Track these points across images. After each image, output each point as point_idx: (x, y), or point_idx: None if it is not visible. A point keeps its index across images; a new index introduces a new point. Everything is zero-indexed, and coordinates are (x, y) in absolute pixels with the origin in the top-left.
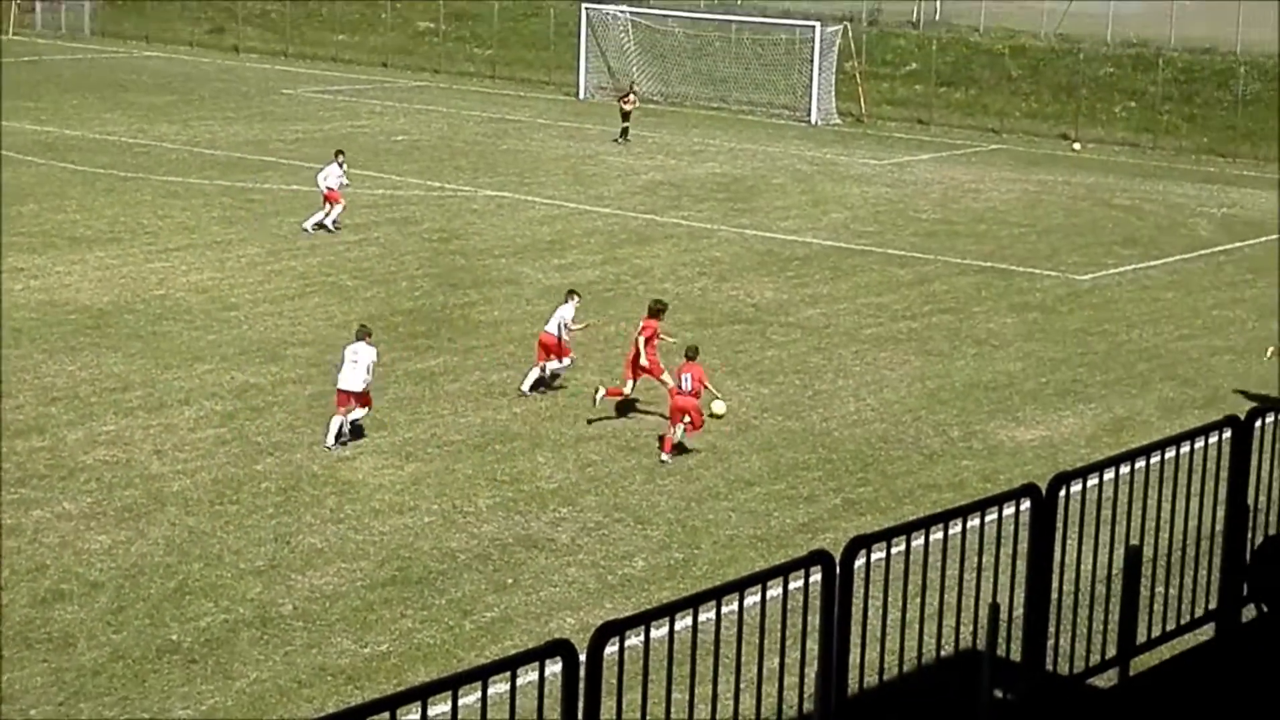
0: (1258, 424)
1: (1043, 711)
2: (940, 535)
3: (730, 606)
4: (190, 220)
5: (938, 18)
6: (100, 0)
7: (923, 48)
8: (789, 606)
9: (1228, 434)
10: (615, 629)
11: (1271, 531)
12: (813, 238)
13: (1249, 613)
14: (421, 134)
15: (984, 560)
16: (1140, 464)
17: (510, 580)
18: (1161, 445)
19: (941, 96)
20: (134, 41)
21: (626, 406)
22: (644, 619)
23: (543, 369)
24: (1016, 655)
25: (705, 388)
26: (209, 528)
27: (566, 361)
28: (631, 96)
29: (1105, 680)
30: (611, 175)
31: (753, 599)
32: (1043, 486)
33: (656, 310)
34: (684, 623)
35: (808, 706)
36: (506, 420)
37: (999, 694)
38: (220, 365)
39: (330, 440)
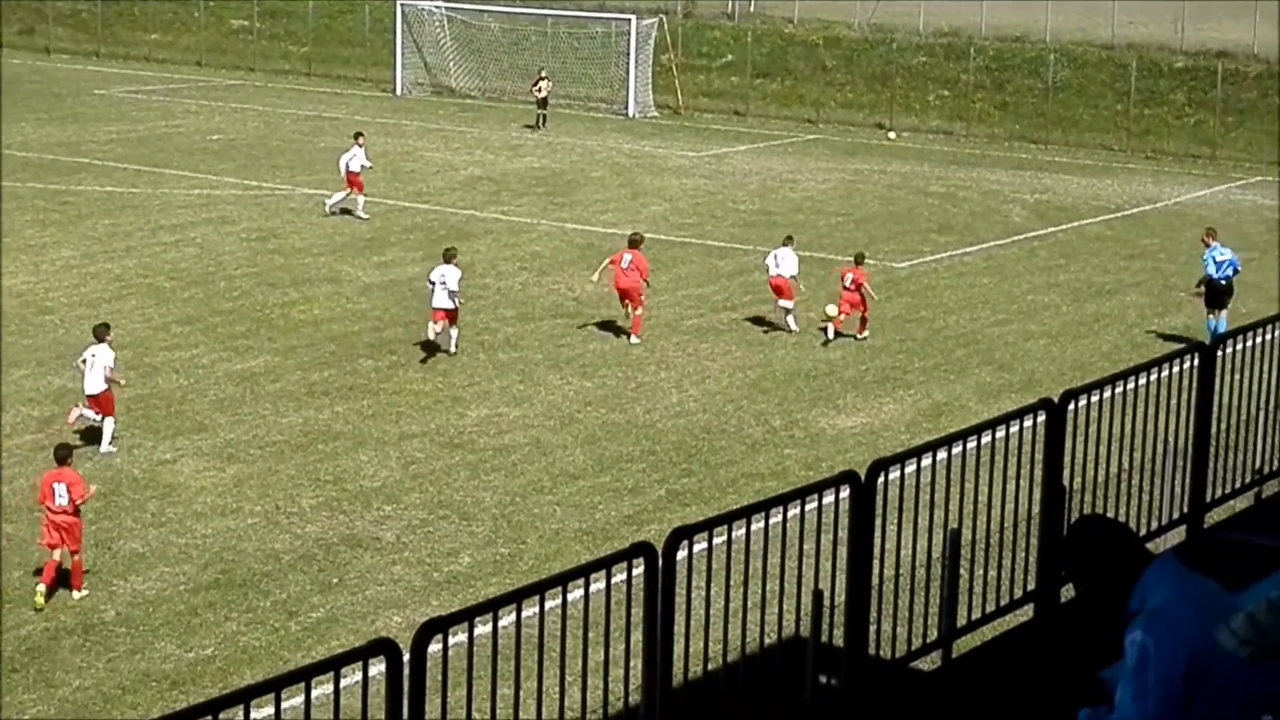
0: (1070, 407)
1: (867, 696)
2: (761, 524)
3: (554, 601)
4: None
5: (752, 9)
6: None
7: (738, 39)
8: (613, 599)
9: (1042, 417)
10: (439, 626)
11: (1086, 513)
12: (632, 230)
13: (1068, 593)
14: (237, 133)
15: (806, 548)
16: (958, 449)
17: (335, 580)
18: (978, 429)
19: (758, 88)
20: None
21: (456, 401)
22: (467, 615)
23: (780, 309)
24: (840, 641)
25: (863, 285)
26: (28, 535)
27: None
28: (542, 84)
29: (929, 663)
30: (430, 171)
31: (577, 593)
32: (862, 473)
33: (637, 241)
34: (509, 618)
35: (635, 699)
36: (329, 420)
37: (824, 679)
38: (36, 370)
39: (452, 347)
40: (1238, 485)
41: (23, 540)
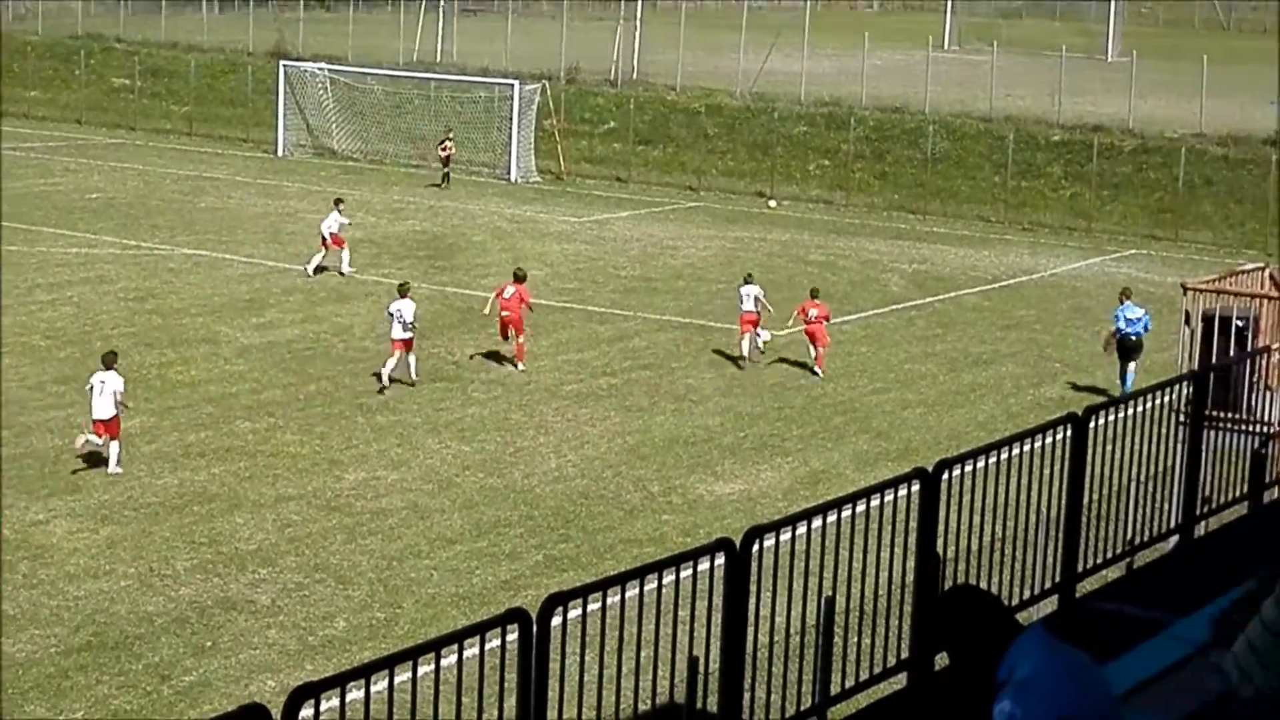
0: (945, 476)
1: None
2: (637, 590)
3: (429, 666)
4: None
5: (635, 76)
6: None
7: (620, 106)
8: (488, 665)
9: (916, 486)
10: (311, 691)
11: (959, 581)
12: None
13: (942, 661)
14: (117, 191)
15: (681, 614)
16: (833, 517)
17: (209, 643)
18: (853, 498)
19: (640, 154)
20: None
21: (334, 464)
22: (340, 680)
23: (753, 339)
24: (715, 708)
25: (827, 320)
26: None
27: (766, 335)
28: (448, 143)
29: None
30: (311, 233)
31: (451, 658)
32: (738, 540)
33: (521, 276)
34: (382, 684)
35: None
36: (205, 481)
37: None
38: None
39: (414, 374)
40: (1109, 555)
41: None
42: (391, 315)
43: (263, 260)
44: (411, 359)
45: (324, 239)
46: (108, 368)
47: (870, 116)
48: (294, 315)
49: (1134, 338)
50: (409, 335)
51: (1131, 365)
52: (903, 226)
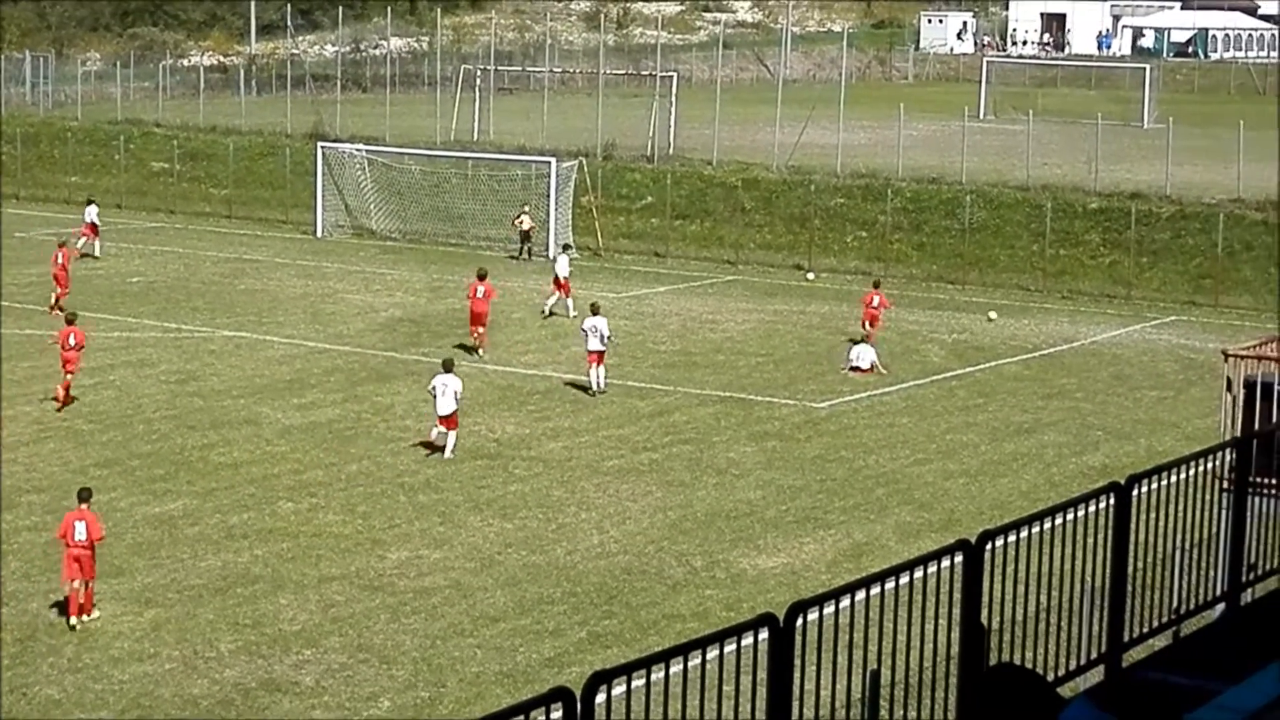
0: (988, 547)
1: None
2: (681, 667)
3: None
4: None
5: (671, 152)
6: None
7: (657, 181)
8: None
9: (960, 557)
10: None
11: (1005, 652)
12: (552, 371)
13: None
14: (157, 275)
15: (726, 689)
16: (877, 589)
17: None
18: (897, 570)
19: (677, 229)
20: None
21: (376, 543)
22: None
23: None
24: None
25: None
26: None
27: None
28: (523, 217)
29: None
30: (351, 313)
31: None
32: (781, 615)
33: (484, 274)
34: None
35: None
36: (248, 563)
37: None
38: None
39: (602, 383)
40: (1155, 624)
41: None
42: (586, 332)
43: (303, 341)
44: (601, 369)
45: (557, 280)
46: (448, 371)
47: (907, 187)
48: (335, 395)
49: None
50: (603, 348)
51: None
52: (942, 296)
